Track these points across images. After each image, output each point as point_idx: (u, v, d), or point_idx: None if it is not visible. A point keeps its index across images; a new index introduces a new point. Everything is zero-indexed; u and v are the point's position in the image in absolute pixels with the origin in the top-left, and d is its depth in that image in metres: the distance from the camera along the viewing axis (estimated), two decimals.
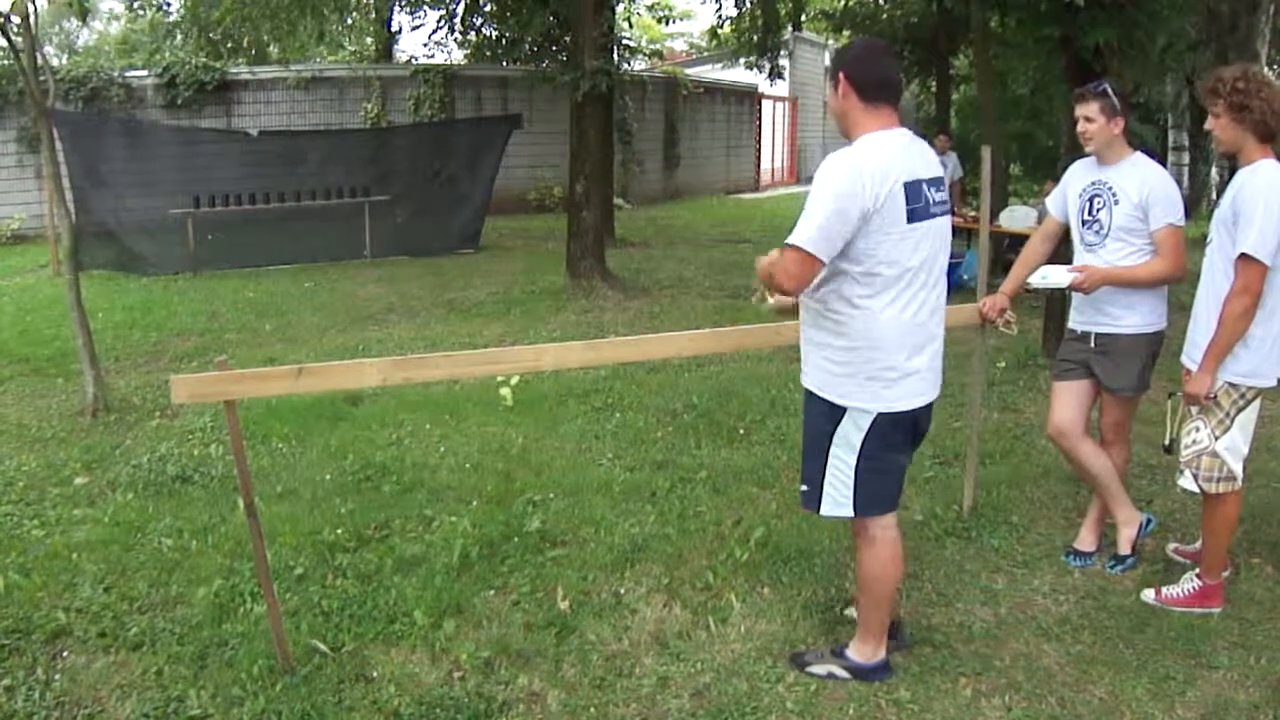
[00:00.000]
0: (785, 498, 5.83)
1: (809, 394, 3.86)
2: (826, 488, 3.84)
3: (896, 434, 3.79)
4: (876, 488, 3.83)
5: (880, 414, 3.71)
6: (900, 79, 3.75)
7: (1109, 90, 4.72)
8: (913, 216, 3.55)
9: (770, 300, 4.26)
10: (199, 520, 5.53)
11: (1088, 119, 4.72)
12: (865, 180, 3.46)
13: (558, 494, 5.89)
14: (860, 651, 4.06)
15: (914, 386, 3.73)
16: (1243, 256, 4.13)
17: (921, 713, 3.85)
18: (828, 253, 3.49)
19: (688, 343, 4.84)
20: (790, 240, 3.51)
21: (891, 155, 3.56)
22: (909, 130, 3.70)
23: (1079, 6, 8.20)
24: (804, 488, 3.94)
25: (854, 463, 3.78)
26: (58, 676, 4.05)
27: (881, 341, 3.64)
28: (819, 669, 4.08)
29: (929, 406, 3.87)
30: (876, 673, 4.04)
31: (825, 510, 3.88)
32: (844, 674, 4.04)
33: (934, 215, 3.64)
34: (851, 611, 4.44)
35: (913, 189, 3.55)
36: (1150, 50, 9.77)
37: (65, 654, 4.22)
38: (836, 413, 3.76)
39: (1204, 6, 12.72)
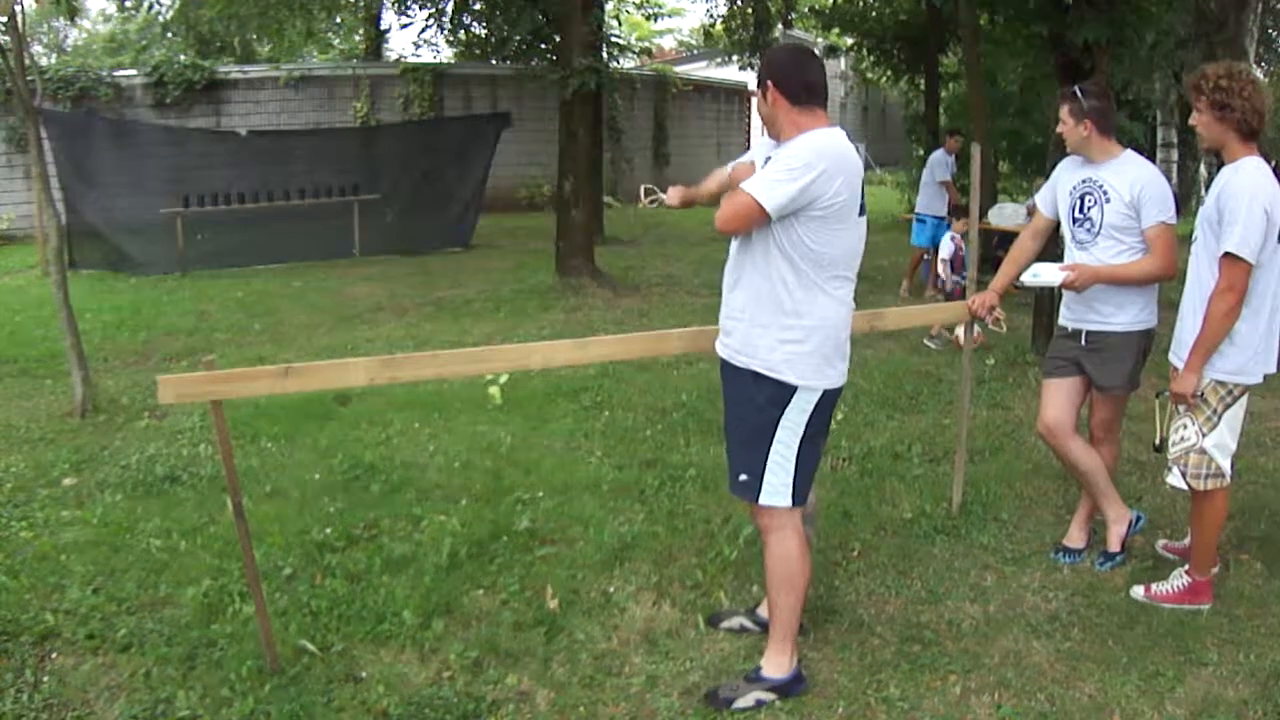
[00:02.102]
0: None
1: (754, 378, 3.80)
2: (767, 475, 3.82)
3: (829, 412, 3.91)
4: (805, 475, 3.86)
5: (826, 391, 3.79)
6: (825, 82, 3.79)
7: (1078, 94, 4.77)
8: (861, 210, 3.73)
9: (647, 200, 4.34)
10: (187, 521, 5.51)
11: (1061, 121, 4.80)
12: (840, 169, 3.58)
13: (546, 493, 5.88)
14: (776, 665, 3.94)
15: (845, 366, 3.88)
16: (1227, 255, 4.13)
17: (911, 710, 3.84)
18: (777, 213, 3.56)
19: (676, 340, 4.82)
20: (748, 187, 3.59)
21: (850, 151, 3.69)
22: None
23: (1068, 4, 8.24)
24: (742, 477, 3.88)
25: (797, 446, 3.80)
26: (46, 678, 4.04)
27: (835, 322, 3.75)
28: (744, 701, 3.88)
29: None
30: (795, 685, 3.94)
31: (764, 499, 3.84)
32: (770, 696, 3.90)
33: (866, 210, 3.81)
34: None
35: (862, 185, 3.72)
36: (1139, 47, 9.82)
37: (53, 655, 4.20)
38: (786, 394, 3.75)
39: (1192, 4, 12.71)
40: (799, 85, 3.71)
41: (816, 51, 4.11)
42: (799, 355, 3.72)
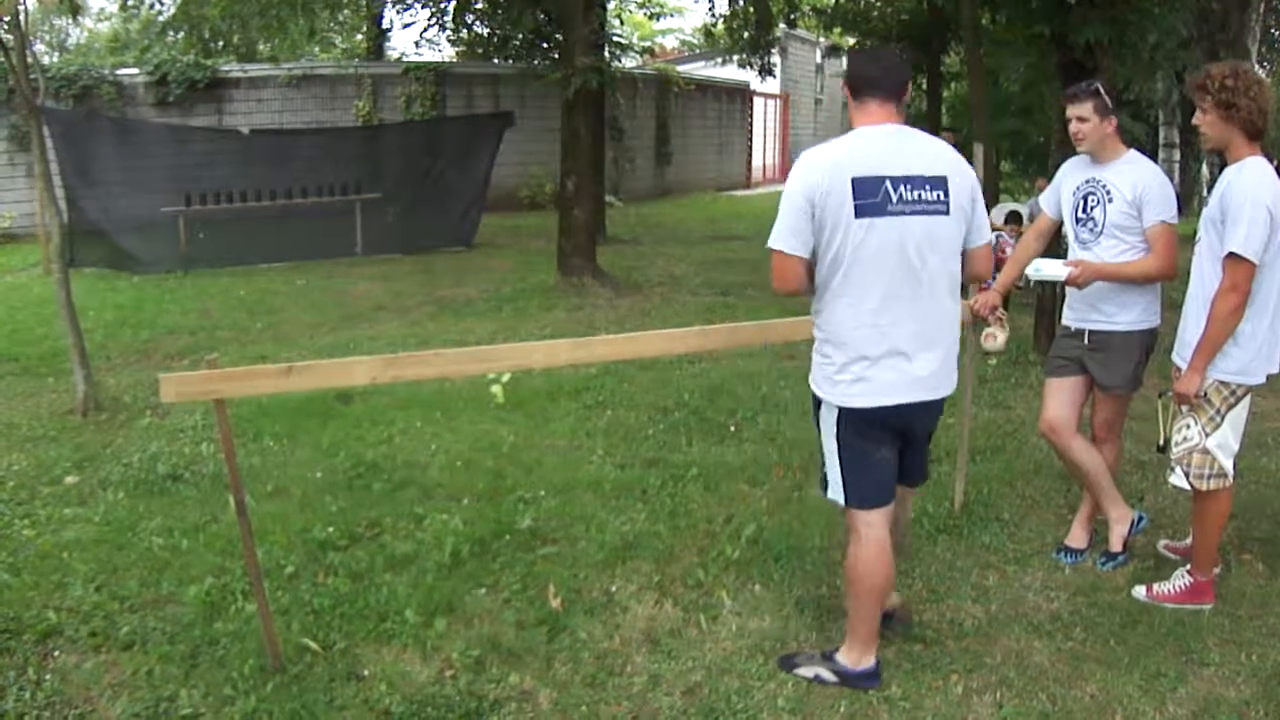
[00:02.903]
0: (776, 495, 5.83)
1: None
2: (828, 472, 3.93)
3: (870, 430, 3.82)
4: (858, 480, 3.86)
5: (843, 409, 3.78)
6: (887, 75, 3.76)
7: (1100, 89, 4.74)
8: (863, 211, 3.58)
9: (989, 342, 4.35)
10: (190, 519, 5.51)
11: (1081, 119, 4.74)
12: (812, 174, 3.62)
13: (549, 492, 5.89)
14: (848, 656, 4.02)
15: (883, 386, 3.73)
16: (1230, 255, 4.13)
17: (913, 710, 3.85)
18: (801, 247, 3.65)
19: (678, 340, 4.83)
20: (769, 242, 3.67)
21: (851, 149, 3.66)
22: (898, 126, 3.72)
23: (1070, 4, 8.22)
24: (822, 469, 4.00)
25: (837, 451, 3.86)
26: (49, 676, 4.04)
27: (842, 338, 3.73)
28: (806, 671, 4.05)
29: (921, 408, 3.83)
30: (864, 680, 3.98)
31: (829, 493, 3.96)
32: (831, 677, 4.00)
33: (900, 213, 3.63)
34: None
35: (865, 184, 3.58)
36: (1141, 47, 9.79)
37: (56, 653, 4.21)
38: (817, 401, 3.88)
39: (1195, 4, 12.72)
40: (858, 80, 3.78)
41: (893, 51, 4.12)
42: (821, 367, 3.83)
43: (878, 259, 3.63)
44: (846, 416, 3.79)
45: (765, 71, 21.15)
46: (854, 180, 3.57)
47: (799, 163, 3.71)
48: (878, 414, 3.77)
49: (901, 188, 3.62)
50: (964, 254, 3.84)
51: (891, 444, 3.88)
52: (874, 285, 3.66)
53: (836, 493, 3.92)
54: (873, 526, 3.89)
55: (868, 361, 3.70)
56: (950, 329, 3.84)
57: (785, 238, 3.65)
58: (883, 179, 3.60)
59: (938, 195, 3.67)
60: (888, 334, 3.69)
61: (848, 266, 3.64)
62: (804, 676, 4.03)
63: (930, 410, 3.89)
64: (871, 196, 3.58)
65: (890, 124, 3.71)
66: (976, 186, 3.83)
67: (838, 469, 3.87)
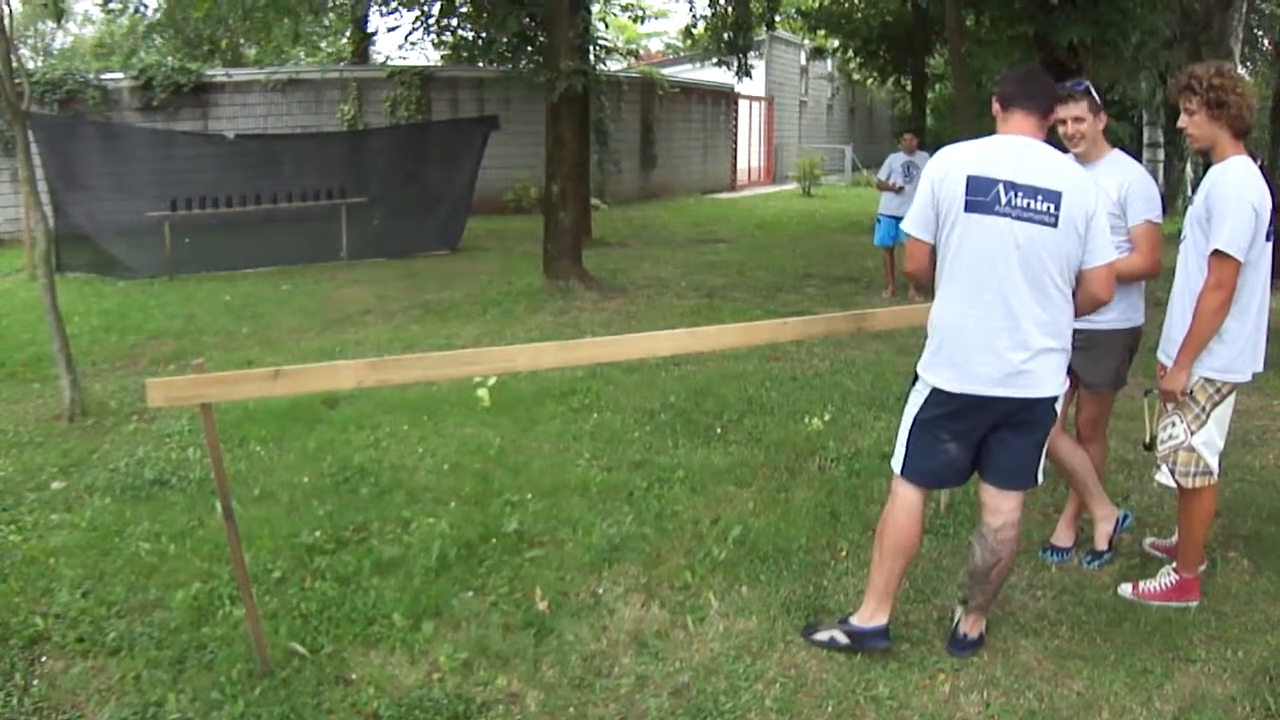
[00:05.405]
0: (762, 496, 5.84)
1: None
2: (897, 439, 4.15)
3: (950, 415, 3.98)
4: (917, 456, 4.08)
5: (934, 389, 3.96)
6: (1032, 93, 3.98)
7: (1090, 88, 4.76)
8: (972, 208, 3.79)
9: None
10: (177, 524, 5.50)
11: (1077, 119, 4.72)
12: (938, 166, 3.92)
13: (535, 495, 5.88)
14: (861, 613, 4.19)
15: (968, 375, 3.88)
16: (1216, 253, 4.16)
17: (900, 709, 3.86)
18: (926, 233, 3.96)
19: (664, 342, 4.83)
20: (902, 224, 4.16)
21: (976, 150, 3.89)
22: (1030, 140, 3.89)
23: (1053, 4, 8.26)
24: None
25: (910, 423, 4.07)
26: (36, 682, 4.03)
27: (941, 322, 3.97)
28: (822, 635, 4.24)
29: (1003, 402, 3.90)
30: (873, 638, 4.15)
31: (893, 459, 4.18)
32: (843, 639, 4.18)
33: (1007, 215, 3.79)
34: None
35: (979, 183, 3.79)
36: (1124, 48, 9.84)
37: (43, 659, 4.20)
38: (915, 378, 4.11)
39: (1177, 4, 12.78)
40: (1006, 94, 4.01)
41: (1045, 74, 4.29)
42: (926, 347, 4.02)
43: (978, 254, 3.83)
44: (932, 396, 3.99)
45: (744, 72, 21.12)
46: (969, 178, 3.81)
47: (953, 149, 4.00)
48: (959, 399, 3.92)
49: (1012, 193, 3.78)
50: (1082, 273, 3.92)
51: (965, 439, 4.03)
52: (973, 277, 3.86)
53: (896, 459, 4.15)
54: (909, 491, 4.13)
55: (959, 348, 3.89)
56: (1047, 335, 3.87)
57: (913, 223, 3.98)
58: (996, 181, 3.79)
59: (1048, 207, 3.79)
60: (980, 326, 3.85)
61: (954, 256, 3.89)
62: (820, 641, 4.22)
63: (1014, 407, 3.93)
64: (982, 195, 3.79)
65: (1025, 137, 3.90)
66: (1099, 211, 3.90)
67: (905, 441, 4.10)
